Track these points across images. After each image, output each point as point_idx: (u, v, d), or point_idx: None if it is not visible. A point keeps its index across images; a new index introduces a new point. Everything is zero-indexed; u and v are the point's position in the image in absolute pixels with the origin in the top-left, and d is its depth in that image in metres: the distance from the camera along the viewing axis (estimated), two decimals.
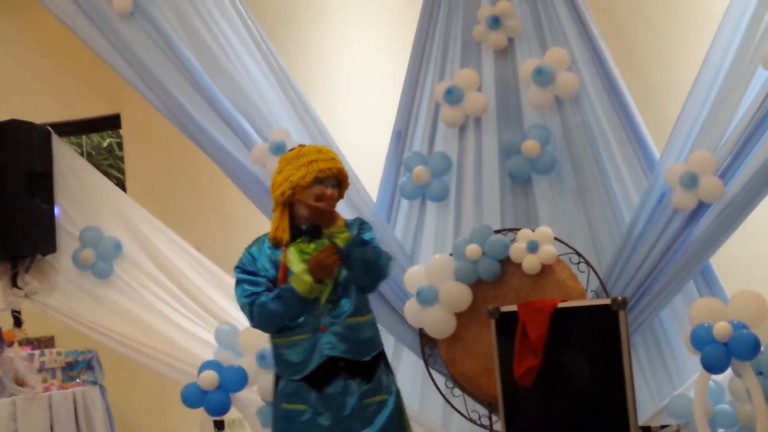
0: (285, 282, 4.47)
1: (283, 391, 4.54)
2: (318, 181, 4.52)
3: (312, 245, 4.53)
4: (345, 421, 4.44)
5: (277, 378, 4.61)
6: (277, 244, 4.58)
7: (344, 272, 4.51)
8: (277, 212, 4.61)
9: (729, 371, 5.39)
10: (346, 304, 4.52)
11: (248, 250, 4.66)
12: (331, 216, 4.47)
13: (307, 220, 4.54)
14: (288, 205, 4.58)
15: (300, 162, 4.55)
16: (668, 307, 6.29)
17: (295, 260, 4.51)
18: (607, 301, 5.43)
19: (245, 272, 4.57)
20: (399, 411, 4.59)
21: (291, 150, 4.70)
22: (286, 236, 4.56)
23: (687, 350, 5.56)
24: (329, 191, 4.54)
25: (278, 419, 4.56)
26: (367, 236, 4.59)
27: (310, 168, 4.53)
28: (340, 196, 4.65)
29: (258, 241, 4.69)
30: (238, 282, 4.57)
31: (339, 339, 4.46)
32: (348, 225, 4.58)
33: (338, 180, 4.60)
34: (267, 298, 4.45)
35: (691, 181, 5.98)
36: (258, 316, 4.48)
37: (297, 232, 4.57)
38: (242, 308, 4.54)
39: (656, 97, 7.03)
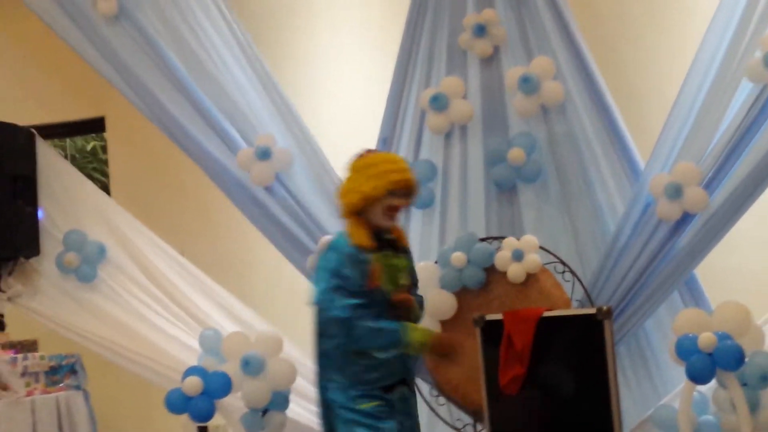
0: (376, 286, 4.52)
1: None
2: (391, 193, 4.54)
3: (397, 259, 4.64)
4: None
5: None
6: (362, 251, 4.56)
7: None
8: (352, 221, 4.61)
9: (713, 382, 5.42)
10: None
11: (340, 256, 4.56)
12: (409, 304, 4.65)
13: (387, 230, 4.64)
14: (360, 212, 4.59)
15: (370, 172, 4.55)
16: (653, 317, 6.30)
17: (383, 276, 4.57)
18: (592, 311, 5.47)
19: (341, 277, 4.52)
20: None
21: (359, 156, 4.68)
22: (369, 243, 4.55)
23: (672, 360, 5.59)
24: (398, 202, 4.58)
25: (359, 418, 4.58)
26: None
27: (382, 180, 4.54)
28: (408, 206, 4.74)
29: (336, 249, 4.61)
30: (336, 290, 4.51)
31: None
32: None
33: (410, 191, 4.63)
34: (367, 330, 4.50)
35: (675, 191, 6.00)
36: (357, 338, 4.51)
37: (379, 240, 4.60)
38: (338, 321, 4.50)
39: (641, 106, 7.07)
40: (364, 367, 4.57)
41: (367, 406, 4.54)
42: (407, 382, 4.78)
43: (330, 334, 4.54)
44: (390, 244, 4.66)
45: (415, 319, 4.79)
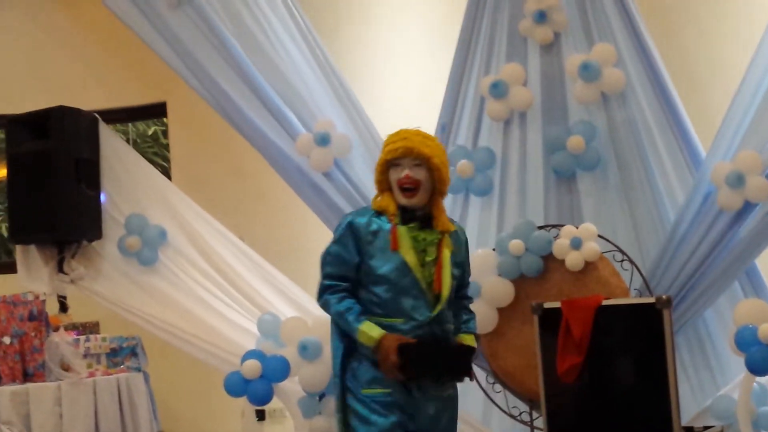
0: (397, 249, 4.36)
1: (362, 375, 4.41)
2: (393, 164, 4.42)
3: (423, 233, 4.43)
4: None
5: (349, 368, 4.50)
6: (383, 215, 4.46)
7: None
8: (381, 196, 4.51)
9: None
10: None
11: (351, 220, 4.46)
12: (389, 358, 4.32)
13: (420, 207, 4.44)
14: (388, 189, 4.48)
15: (382, 150, 4.47)
16: (712, 307, 6.27)
17: (405, 243, 4.39)
18: (652, 300, 5.43)
19: (331, 257, 4.45)
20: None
21: None
22: (391, 207, 4.42)
23: (731, 351, 5.55)
24: (406, 173, 4.38)
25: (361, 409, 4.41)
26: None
27: (382, 154, 4.45)
28: (435, 180, 4.42)
29: (363, 210, 4.55)
30: (323, 264, 4.48)
31: None
32: (457, 236, 4.57)
33: (419, 160, 4.38)
34: (336, 308, 4.41)
35: (737, 180, 5.94)
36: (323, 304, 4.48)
37: (410, 216, 4.44)
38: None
39: (703, 94, 7.00)
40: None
41: (370, 392, 4.39)
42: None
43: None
44: (421, 219, 4.45)
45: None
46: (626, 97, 6.60)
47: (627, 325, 5.54)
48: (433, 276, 4.42)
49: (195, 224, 7.19)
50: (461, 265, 4.59)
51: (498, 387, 6.46)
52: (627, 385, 5.48)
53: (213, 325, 6.79)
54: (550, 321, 5.68)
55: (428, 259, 4.43)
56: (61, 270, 7.09)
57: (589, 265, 6.14)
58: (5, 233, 10.98)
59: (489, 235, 6.75)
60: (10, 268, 7.98)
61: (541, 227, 6.34)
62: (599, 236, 6.17)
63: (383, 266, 4.39)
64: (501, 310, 6.33)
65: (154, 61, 7.47)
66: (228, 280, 6.99)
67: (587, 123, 6.56)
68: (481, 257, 6.34)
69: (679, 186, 6.48)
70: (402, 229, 4.41)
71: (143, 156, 7.72)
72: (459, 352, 4.51)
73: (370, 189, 6.83)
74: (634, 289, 6.21)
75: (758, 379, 5.50)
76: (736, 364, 5.73)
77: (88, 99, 7.87)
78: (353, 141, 6.96)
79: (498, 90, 6.69)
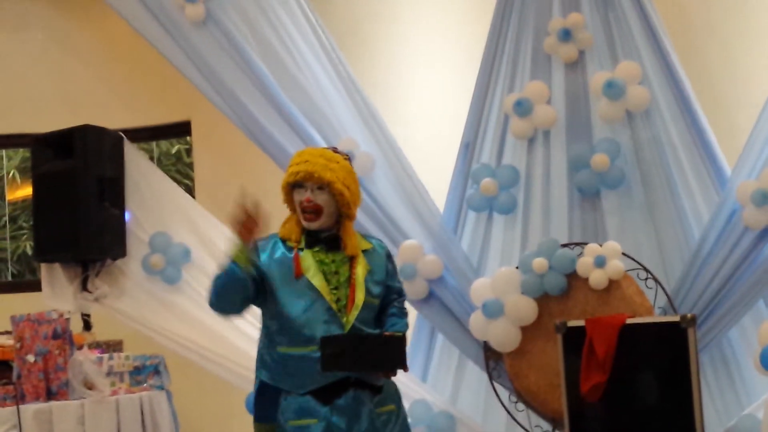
0: (301, 275, 4.22)
1: (287, 409, 4.26)
2: (296, 186, 4.31)
3: (330, 255, 4.32)
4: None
5: (270, 394, 4.37)
6: (287, 243, 4.34)
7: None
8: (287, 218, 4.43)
9: None
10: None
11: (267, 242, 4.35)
12: None
13: (326, 229, 4.33)
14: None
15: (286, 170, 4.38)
16: (737, 326, 6.21)
17: (311, 266, 4.27)
18: (676, 318, 5.41)
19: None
20: (406, 419, 4.49)
21: None
22: (294, 234, 4.32)
23: (756, 370, 5.50)
24: (306, 196, 4.27)
25: None
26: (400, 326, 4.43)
27: (285, 176, 4.35)
28: (339, 205, 4.31)
29: (272, 236, 4.40)
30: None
31: None
32: (375, 253, 4.44)
33: (321, 184, 4.26)
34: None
35: (763, 198, 5.90)
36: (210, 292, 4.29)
37: (314, 239, 4.33)
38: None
39: (728, 112, 6.95)
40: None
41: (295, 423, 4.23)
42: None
43: None
44: (327, 242, 4.33)
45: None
46: (651, 115, 6.57)
47: (651, 343, 5.52)
48: (348, 298, 4.29)
49: (219, 243, 7.19)
50: (382, 283, 4.44)
51: (521, 406, 6.43)
52: (651, 404, 5.45)
53: (236, 344, 6.80)
54: (573, 339, 5.66)
55: (341, 280, 4.32)
56: (85, 288, 7.12)
57: (613, 284, 6.10)
58: (30, 252, 11.02)
59: (513, 253, 6.72)
60: (34, 286, 7.99)
61: (564, 245, 6.31)
62: (623, 254, 6.13)
63: (289, 295, 4.27)
64: (524, 329, 6.29)
65: (179, 80, 7.49)
66: None
67: (611, 141, 6.53)
68: (505, 275, 6.32)
69: (704, 204, 6.45)
70: (306, 254, 4.30)
71: (167, 174, 7.74)
72: (383, 341, 4.29)
73: (394, 207, 6.85)
74: (659, 308, 6.17)
75: None
76: (761, 383, 5.70)
77: (113, 118, 7.89)
78: (376, 159, 6.96)
79: (522, 108, 6.67)
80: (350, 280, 4.32)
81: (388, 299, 4.50)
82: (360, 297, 4.30)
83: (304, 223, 4.32)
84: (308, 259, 4.29)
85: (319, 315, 4.24)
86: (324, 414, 4.20)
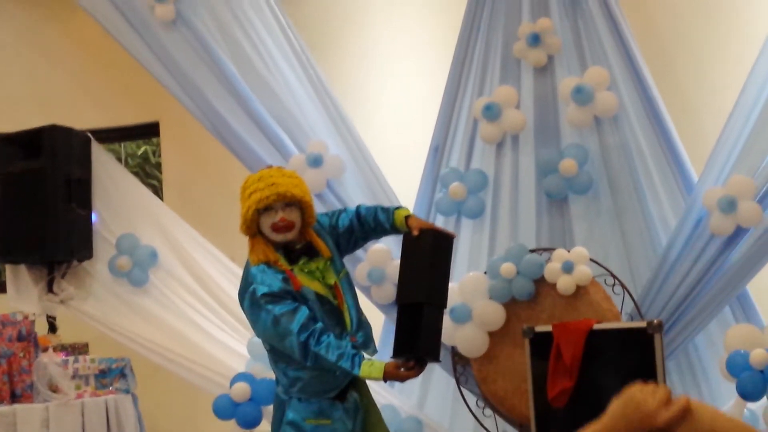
0: (300, 287, 4.40)
1: (307, 410, 4.50)
2: (266, 210, 4.39)
3: (314, 263, 4.48)
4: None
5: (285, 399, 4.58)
6: (270, 264, 4.42)
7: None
8: (251, 243, 4.49)
9: (764, 399, 5.35)
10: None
11: (260, 274, 4.40)
12: None
13: (297, 240, 4.50)
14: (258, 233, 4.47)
15: (244, 195, 4.46)
16: (703, 332, 6.24)
17: (306, 281, 4.44)
18: (643, 324, 5.42)
19: (277, 296, 4.36)
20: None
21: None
22: (270, 256, 4.42)
23: (722, 376, 5.53)
24: (280, 216, 4.39)
25: None
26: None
27: (250, 201, 4.40)
28: (306, 217, 4.51)
29: (245, 278, 4.49)
30: (273, 304, 4.35)
31: None
32: (324, 232, 4.64)
33: (291, 201, 4.42)
34: (329, 360, 4.31)
35: (729, 205, 5.93)
36: (313, 360, 4.34)
37: (290, 254, 4.46)
38: (290, 342, 4.32)
39: (696, 118, 6.99)
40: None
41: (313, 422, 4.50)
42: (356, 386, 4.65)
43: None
44: (303, 252, 4.48)
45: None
46: (619, 121, 6.59)
47: (618, 349, 5.52)
48: (338, 298, 4.54)
49: (186, 245, 7.18)
50: (336, 240, 4.70)
51: (488, 411, 6.43)
52: None
53: (203, 347, 6.78)
54: (541, 345, 5.67)
55: (330, 283, 4.53)
56: (50, 290, 7.07)
57: (580, 290, 6.10)
58: None
59: (480, 257, 6.72)
60: None
61: (532, 250, 6.31)
62: (591, 260, 6.15)
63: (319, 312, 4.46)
64: (492, 334, 6.29)
65: (148, 81, 7.44)
66: (219, 301, 6.97)
67: (580, 146, 6.55)
68: (473, 280, 6.32)
69: (671, 210, 6.47)
70: (295, 269, 4.44)
71: (133, 175, 7.71)
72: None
73: None
74: (626, 314, 6.18)
75: (749, 404, 5.49)
76: (727, 389, 5.72)
77: (81, 118, 7.84)
78: (346, 162, 6.95)
79: (491, 112, 6.67)
80: (335, 284, 4.57)
81: (347, 223, 4.74)
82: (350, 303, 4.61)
83: (278, 238, 4.44)
84: (299, 273, 4.46)
85: (331, 317, 4.50)
86: (337, 416, 4.50)
